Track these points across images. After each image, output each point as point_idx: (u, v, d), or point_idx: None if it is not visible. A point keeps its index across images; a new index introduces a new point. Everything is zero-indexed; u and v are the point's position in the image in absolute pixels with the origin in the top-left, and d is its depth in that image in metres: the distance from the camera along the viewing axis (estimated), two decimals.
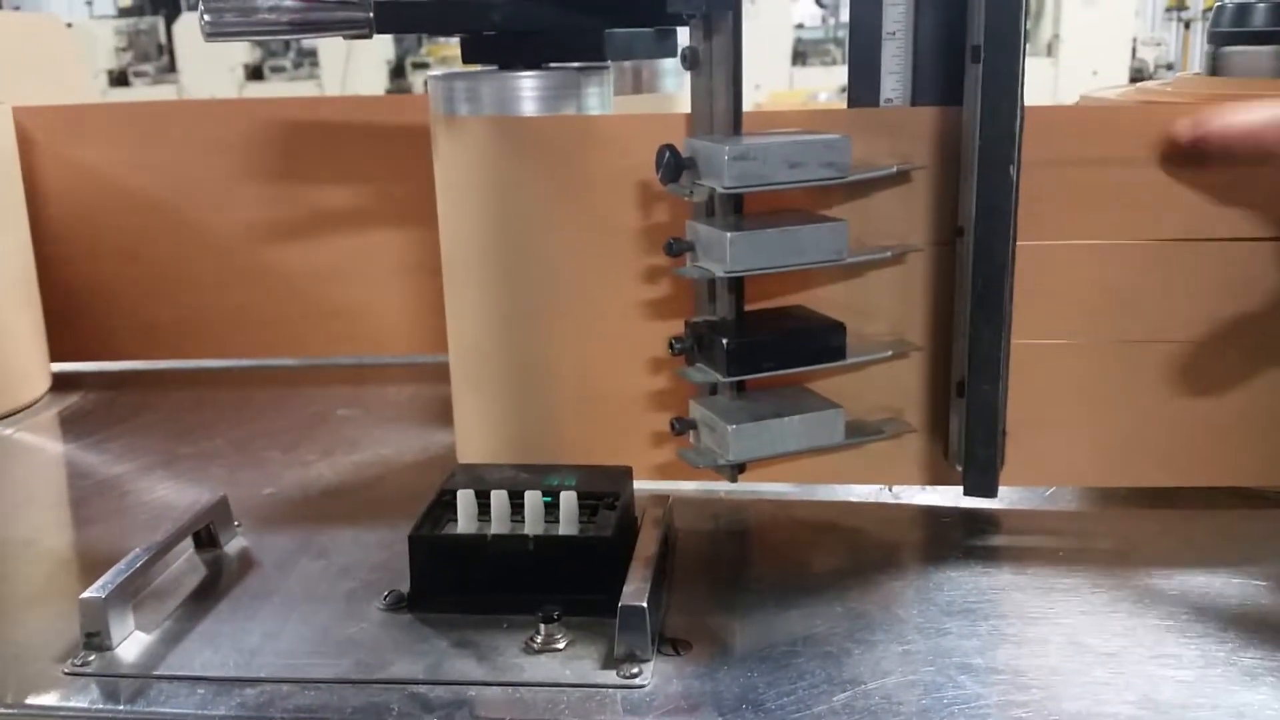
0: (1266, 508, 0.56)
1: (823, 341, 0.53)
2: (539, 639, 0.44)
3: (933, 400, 0.56)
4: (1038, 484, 0.58)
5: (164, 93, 4.95)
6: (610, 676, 0.42)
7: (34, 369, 0.78)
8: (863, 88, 0.54)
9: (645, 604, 0.43)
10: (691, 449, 0.55)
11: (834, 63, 4.50)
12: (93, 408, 0.77)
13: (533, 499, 0.48)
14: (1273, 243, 0.52)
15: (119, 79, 5.06)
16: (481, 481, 0.50)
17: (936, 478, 0.57)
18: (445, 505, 0.50)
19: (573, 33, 0.56)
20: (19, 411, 0.76)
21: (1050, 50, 4.46)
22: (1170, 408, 0.55)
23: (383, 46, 4.93)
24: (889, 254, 0.53)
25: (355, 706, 0.41)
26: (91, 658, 0.44)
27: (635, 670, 0.42)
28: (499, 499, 0.48)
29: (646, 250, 0.57)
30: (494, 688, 0.42)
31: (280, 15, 0.52)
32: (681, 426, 0.55)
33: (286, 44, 5.33)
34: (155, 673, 0.43)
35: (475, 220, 0.59)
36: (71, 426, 0.74)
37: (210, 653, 0.45)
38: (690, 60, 0.52)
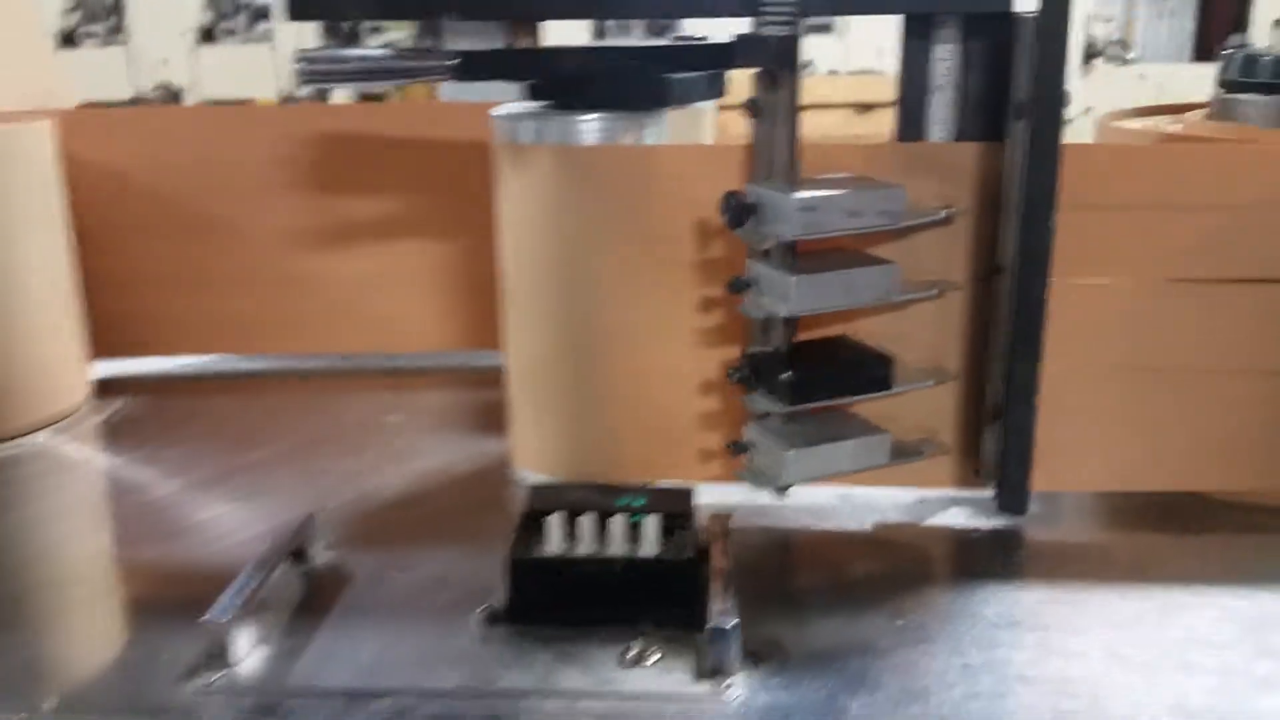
0: (1261, 520, 0.62)
1: (872, 373, 0.57)
2: (632, 654, 0.49)
3: (965, 422, 0.61)
4: (1055, 489, 0.63)
5: (113, 54, 4.86)
6: (704, 689, 0.47)
7: (75, 377, 0.80)
8: (911, 133, 0.58)
9: (732, 625, 0.47)
10: (746, 470, 0.60)
11: None
12: (138, 415, 0.79)
13: (619, 523, 0.52)
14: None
15: (67, 39, 4.95)
16: (566, 504, 0.54)
17: (964, 484, 0.62)
18: (533, 526, 0.54)
19: (637, 81, 0.60)
20: (62, 419, 0.78)
21: None
22: (1173, 424, 0.60)
23: None
24: (935, 293, 0.58)
25: (479, 716, 0.45)
26: (216, 677, 0.48)
27: (728, 683, 0.47)
28: (589, 523, 0.52)
29: (701, 281, 0.61)
30: (601, 700, 0.46)
31: (369, 64, 0.56)
32: (738, 448, 0.60)
33: (236, 6, 5.26)
34: (284, 687, 0.47)
35: (537, 245, 0.62)
36: (117, 436, 0.76)
37: (332, 666, 0.48)
38: (754, 110, 0.56)
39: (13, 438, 0.75)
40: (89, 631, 0.53)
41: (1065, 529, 0.62)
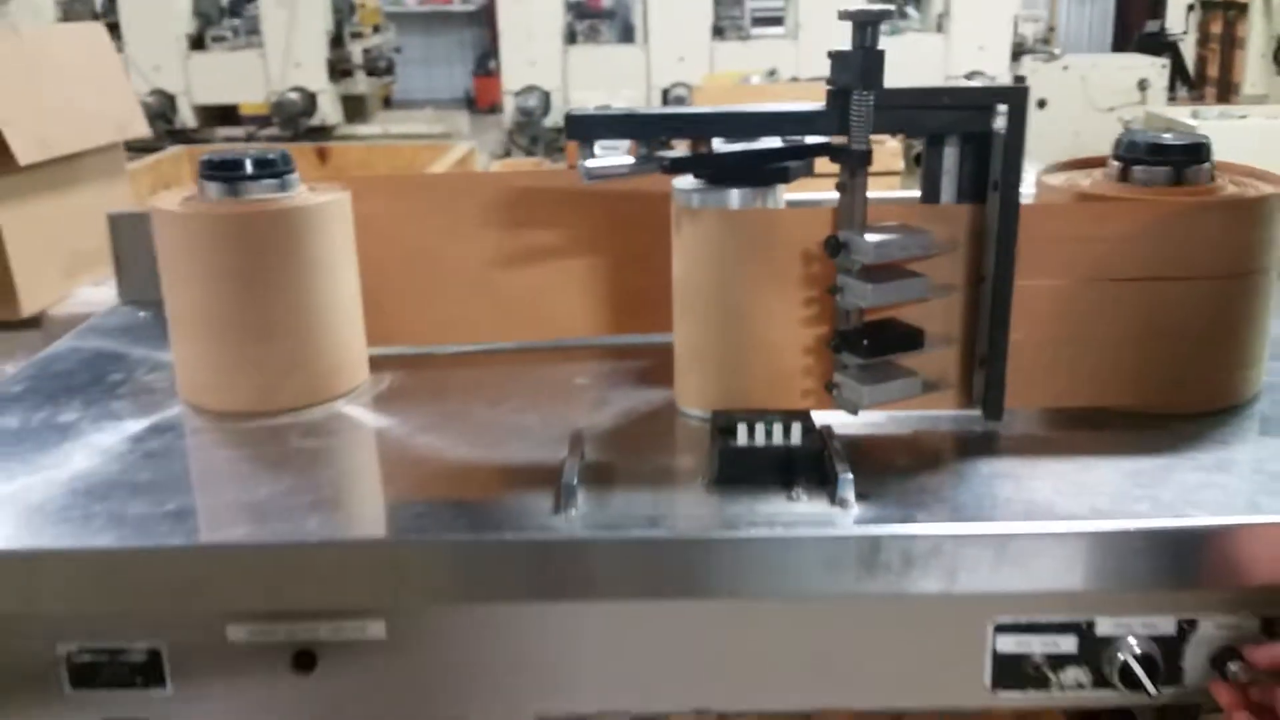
0: (1142, 421, 1.03)
1: (911, 340, 0.98)
2: (793, 496, 0.89)
3: (963, 369, 1.02)
4: (1017, 406, 1.04)
5: None
6: (835, 510, 0.87)
7: (360, 362, 1.17)
8: (930, 197, 0.99)
9: (848, 478, 0.88)
10: (836, 400, 1.00)
11: (749, 38, 4.92)
12: (406, 386, 1.17)
13: (776, 427, 0.92)
14: (1145, 282, 0.99)
15: None
16: (740, 419, 0.94)
17: (963, 407, 1.03)
18: (724, 431, 0.93)
19: (767, 168, 1.00)
20: (351, 392, 1.15)
21: (940, 26, 4.95)
22: (1086, 369, 1.01)
23: (322, 18, 5.18)
24: (946, 293, 0.99)
25: (716, 526, 0.85)
26: (571, 511, 0.87)
27: (850, 506, 0.87)
28: (764, 425, 0.92)
29: (805, 287, 1.01)
30: (779, 518, 0.86)
31: (619, 171, 0.95)
32: (831, 387, 1.00)
33: (222, 12, 5.55)
34: (604, 517, 0.87)
35: (701, 268, 1.02)
36: (399, 400, 1.14)
37: (625, 505, 0.88)
38: (841, 187, 0.97)
39: (323, 403, 1.12)
40: (480, 493, 0.92)
41: (1024, 428, 1.03)
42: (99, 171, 2.34)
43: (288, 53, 5.17)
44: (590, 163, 0.94)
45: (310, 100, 5.23)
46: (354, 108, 5.61)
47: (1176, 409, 1.03)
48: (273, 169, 1.08)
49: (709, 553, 0.85)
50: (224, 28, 5.39)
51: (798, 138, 1.02)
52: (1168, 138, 1.05)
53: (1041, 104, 5.05)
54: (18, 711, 0.93)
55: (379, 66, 5.60)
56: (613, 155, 0.96)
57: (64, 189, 2.23)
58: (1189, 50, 7.00)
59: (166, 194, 1.12)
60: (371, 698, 0.91)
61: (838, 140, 0.97)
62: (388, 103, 6.67)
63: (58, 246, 2.16)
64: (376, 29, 6.04)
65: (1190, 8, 7.02)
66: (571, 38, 5.09)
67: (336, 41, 5.36)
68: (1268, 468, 0.95)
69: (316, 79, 5.23)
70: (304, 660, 0.89)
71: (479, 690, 0.92)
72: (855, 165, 0.95)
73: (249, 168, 1.07)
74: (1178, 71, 6.59)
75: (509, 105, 5.06)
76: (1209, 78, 6.81)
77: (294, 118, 5.16)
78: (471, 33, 10.87)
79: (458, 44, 10.89)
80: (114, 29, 5.42)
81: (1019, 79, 4.94)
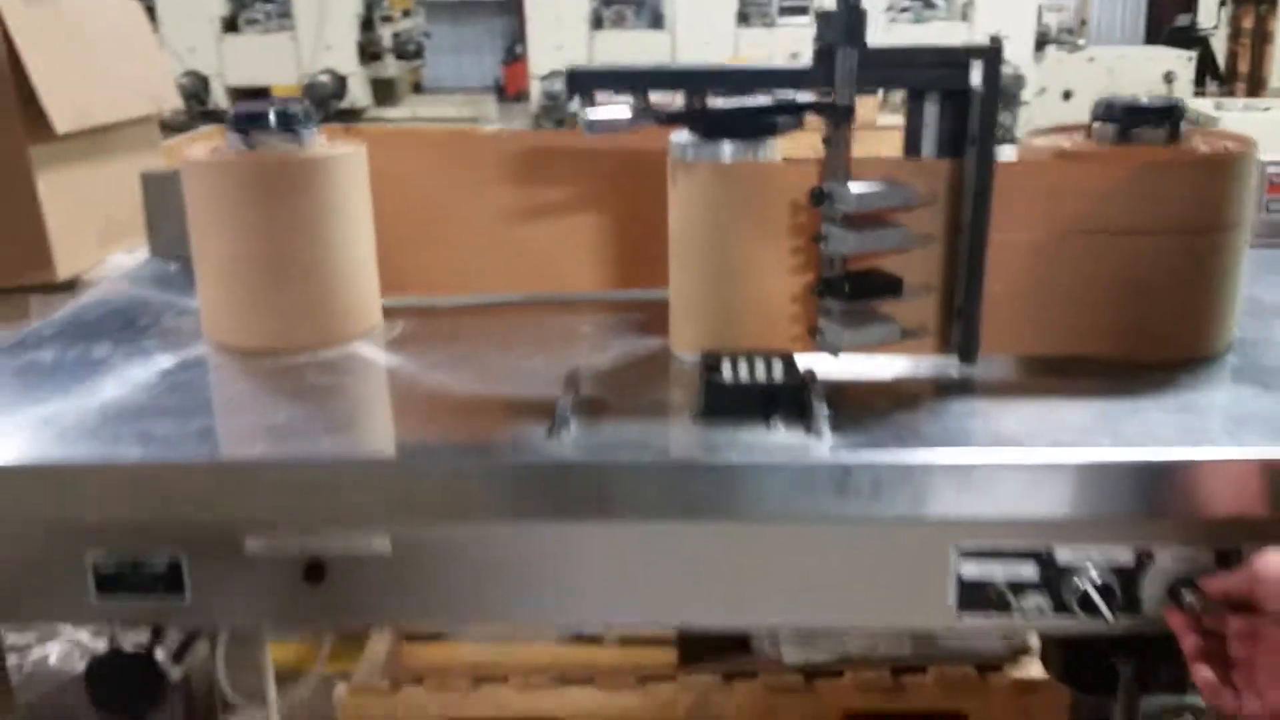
0: (1109, 368, 1.08)
1: (891, 287, 1.04)
2: (772, 426, 0.95)
3: (941, 317, 1.07)
4: (991, 353, 1.09)
5: None
6: (811, 440, 0.93)
7: (373, 306, 1.24)
8: (913, 152, 1.04)
9: (825, 412, 0.93)
10: (819, 343, 1.06)
11: (774, 24, 4.97)
12: (418, 331, 1.23)
13: (759, 365, 0.98)
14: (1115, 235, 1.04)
15: None
16: (728, 356, 1.00)
17: (941, 353, 1.08)
18: (711, 368, 0.99)
19: (756, 122, 1.05)
20: (365, 334, 1.21)
21: (965, 15, 4.98)
22: (1059, 319, 1.07)
23: (353, 2, 5.26)
24: (927, 244, 1.04)
25: (701, 452, 0.91)
26: (564, 435, 0.93)
27: (825, 437, 0.93)
28: (747, 363, 0.98)
29: (793, 236, 1.06)
30: (759, 446, 0.92)
31: (622, 123, 1.01)
32: (813, 331, 1.06)
33: None
34: (597, 441, 0.93)
35: (695, 219, 1.08)
36: (410, 343, 1.20)
37: (615, 435, 0.94)
38: (826, 141, 1.02)
39: (338, 344, 1.18)
40: (482, 423, 0.99)
41: (998, 374, 1.08)
42: (134, 142, 2.42)
43: (319, 36, 5.25)
44: (591, 114, 1.00)
45: (340, 83, 5.32)
46: (383, 91, 5.69)
47: (1148, 359, 1.08)
48: (294, 123, 1.15)
49: (692, 476, 0.91)
50: (257, 11, 5.49)
51: (789, 95, 1.07)
52: (1144, 100, 1.10)
53: (1067, 95, 5.07)
54: (48, 615, 1.00)
55: (408, 50, 5.67)
56: (612, 109, 1.02)
57: (100, 158, 2.31)
58: (1220, 45, 6.98)
59: (196, 146, 1.19)
60: (376, 607, 0.98)
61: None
62: (418, 89, 6.76)
63: (93, 213, 2.24)
64: (406, 14, 6.12)
65: (1222, 2, 7.00)
66: (598, 23, 5.15)
67: (367, 25, 5.45)
68: (1229, 411, 1.00)
69: (347, 62, 5.32)
70: (314, 572, 0.96)
71: (475, 602, 0.98)
72: (839, 119, 1.01)
73: (272, 121, 1.14)
74: (1208, 66, 6.58)
75: (535, 89, 5.13)
76: (1239, 73, 6.79)
77: (324, 100, 5.24)
78: (501, 21, 10.95)
79: (487, 33, 10.97)
80: (151, 12, 5.53)
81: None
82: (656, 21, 5.63)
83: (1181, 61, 5.36)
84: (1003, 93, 4.39)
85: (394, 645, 2.21)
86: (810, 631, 2.10)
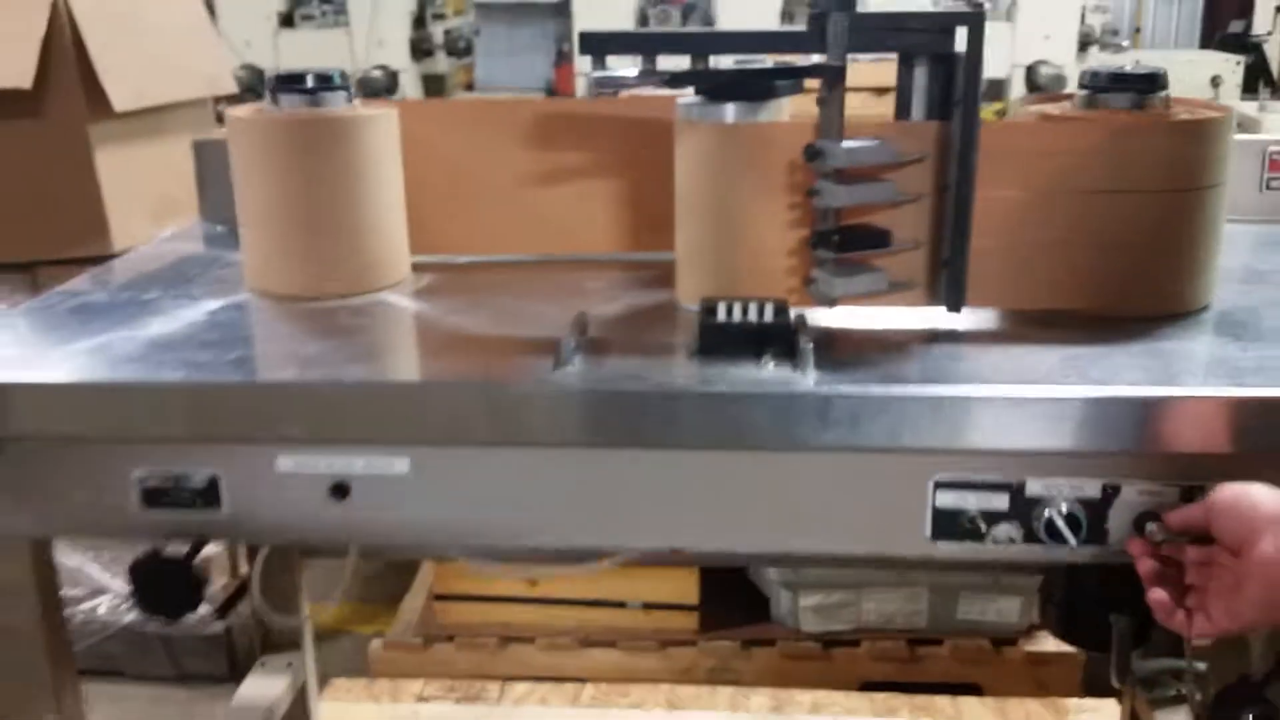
0: (1082, 321, 1.14)
1: (880, 240, 1.10)
2: (763, 364, 1.02)
3: (930, 269, 1.14)
4: (977, 306, 1.16)
5: None
6: (797, 375, 1.00)
7: (402, 260, 1.32)
8: (903, 115, 1.11)
9: (810, 348, 1.01)
10: (813, 293, 1.13)
11: None
12: (443, 284, 1.32)
13: (752, 308, 1.05)
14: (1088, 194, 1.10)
15: None
16: (725, 302, 1.07)
17: (929, 303, 1.15)
18: (709, 311, 1.07)
19: (758, 85, 1.13)
20: (395, 285, 1.30)
21: (1009, 15, 5.00)
22: (1040, 275, 1.13)
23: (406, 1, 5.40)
24: (915, 199, 1.11)
25: (698, 383, 0.98)
26: (568, 369, 1.01)
27: (809, 372, 1.00)
28: (742, 307, 1.05)
29: (791, 192, 1.13)
30: (749, 380, 0.99)
31: (629, 82, 1.08)
32: (808, 281, 1.13)
33: None
34: (596, 374, 1.01)
35: (700, 177, 1.15)
36: (436, 293, 1.29)
37: (616, 370, 1.02)
38: (821, 101, 1.09)
39: (368, 292, 1.27)
40: (495, 357, 1.07)
41: (982, 325, 1.15)
42: (189, 123, 2.53)
43: (372, 31, 5.39)
44: (598, 73, 1.08)
45: (392, 78, 5.46)
46: (434, 87, 5.82)
47: (1127, 313, 1.14)
48: (330, 84, 1.24)
49: (683, 405, 0.99)
50: (313, 7, 5.64)
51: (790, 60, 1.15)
52: (1128, 69, 1.16)
53: None
54: (97, 528, 1.09)
55: (459, 47, 5.81)
56: (619, 69, 1.10)
57: (156, 137, 2.43)
58: (1275, 51, 6.93)
59: (242, 107, 1.29)
60: (396, 524, 1.06)
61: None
62: (469, 88, 6.89)
63: (148, 190, 2.36)
64: (459, 13, 6.25)
65: (1278, 9, 6.95)
66: (644, 22, 5.24)
67: (419, 22, 5.59)
68: (1196, 356, 1.06)
69: (399, 58, 5.46)
70: (339, 490, 1.04)
71: (486, 521, 1.06)
72: (833, 80, 1.08)
73: (310, 82, 1.23)
74: (1261, 72, 6.54)
75: (580, 87, 5.22)
76: None
77: (376, 95, 5.38)
78: (556, 24, 11.06)
79: (540, 35, 11.08)
80: (210, 6, 5.69)
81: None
82: (704, 22, 5.71)
83: (1229, 65, 5.34)
84: (1043, 91, 4.42)
85: (426, 605, 2.30)
86: (828, 581, 2.16)
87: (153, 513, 1.06)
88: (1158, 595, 0.96)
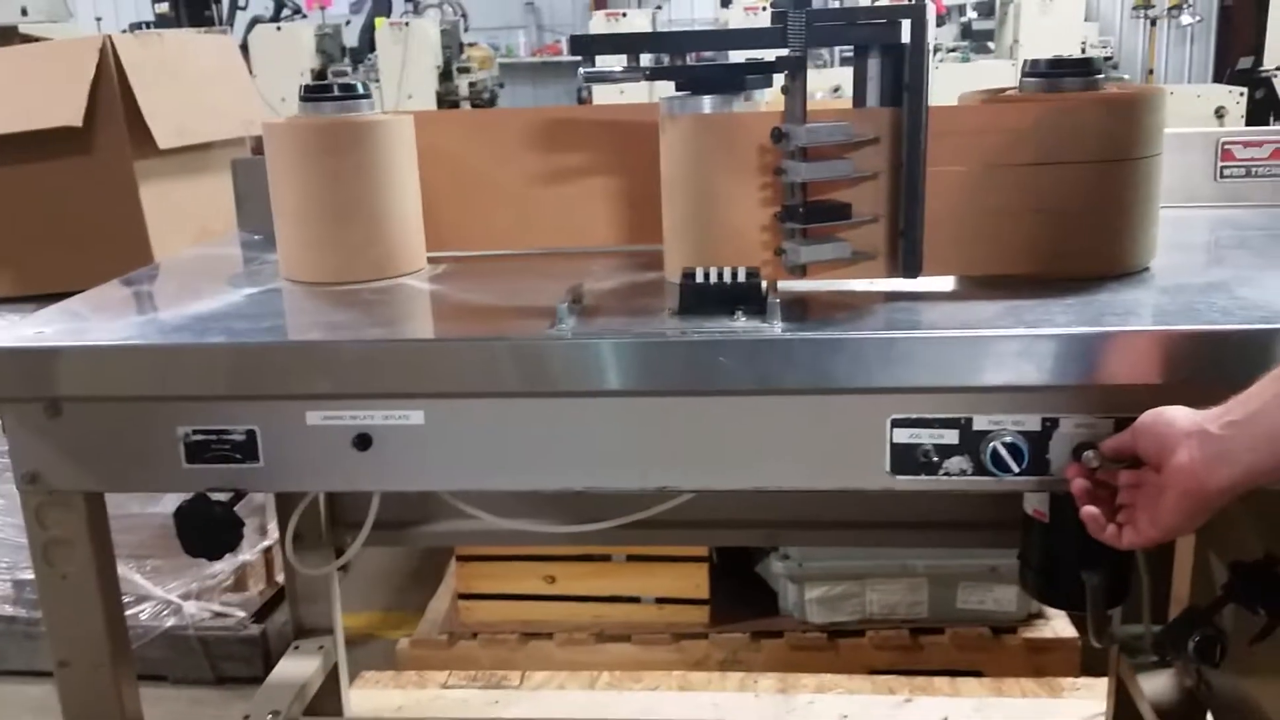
0: (1035, 284, 1.25)
1: (842, 213, 1.23)
2: (736, 317, 1.15)
3: (889, 240, 1.26)
4: (934, 274, 1.28)
5: None
6: (767, 326, 1.12)
7: (418, 252, 1.46)
8: (860, 102, 1.24)
9: (777, 303, 1.13)
10: (783, 262, 1.25)
11: (824, 65, 5.19)
12: (456, 271, 1.46)
13: (727, 273, 1.18)
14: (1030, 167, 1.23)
15: None
16: (703, 268, 1.20)
17: (889, 275, 1.27)
18: (689, 277, 1.19)
19: (731, 79, 1.26)
20: (413, 272, 1.44)
21: (1012, 53, 5.16)
22: (989, 244, 1.25)
23: (432, 55, 5.63)
24: (873, 176, 1.24)
25: (679, 334, 1.11)
26: (565, 327, 1.14)
27: (776, 324, 1.12)
28: (718, 272, 1.18)
29: (761, 174, 1.26)
30: (721, 331, 1.12)
31: (615, 77, 1.23)
32: (779, 252, 1.26)
33: (344, 51, 6.05)
34: (589, 329, 1.13)
35: (683, 164, 1.29)
36: (451, 278, 1.43)
37: (606, 325, 1.15)
38: (786, 89, 1.23)
39: (389, 278, 1.41)
40: (500, 322, 1.20)
41: (936, 288, 1.27)
42: (226, 161, 2.70)
43: (400, 85, 5.62)
44: (586, 69, 1.22)
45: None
46: None
47: (1071, 274, 1.26)
48: (354, 93, 1.39)
49: (662, 353, 1.12)
50: (344, 64, 5.89)
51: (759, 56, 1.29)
52: (1064, 56, 1.29)
53: None
54: (145, 481, 1.23)
55: (483, 98, 6.03)
56: (605, 67, 1.24)
57: (196, 174, 2.61)
58: None
59: (276, 118, 1.44)
60: (413, 470, 1.19)
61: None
62: None
63: (188, 222, 2.53)
64: (483, 66, 6.50)
65: None
66: None
67: (445, 75, 5.82)
68: (1124, 304, 1.18)
69: (426, 109, 5.70)
70: (362, 441, 1.17)
71: (494, 467, 1.18)
72: (795, 70, 1.21)
73: (336, 91, 1.38)
74: (1272, 105, 6.66)
75: None
76: None
77: None
78: (576, 80, 11.40)
79: (565, 92, 11.42)
80: (247, 66, 5.95)
81: None
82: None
83: (1233, 98, 5.47)
84: None
85: (451, 604, 2.42)
86: (832, 573, 2.26)
87: (195, 467, 1.19)
88: (1089, 511, 1.07)
